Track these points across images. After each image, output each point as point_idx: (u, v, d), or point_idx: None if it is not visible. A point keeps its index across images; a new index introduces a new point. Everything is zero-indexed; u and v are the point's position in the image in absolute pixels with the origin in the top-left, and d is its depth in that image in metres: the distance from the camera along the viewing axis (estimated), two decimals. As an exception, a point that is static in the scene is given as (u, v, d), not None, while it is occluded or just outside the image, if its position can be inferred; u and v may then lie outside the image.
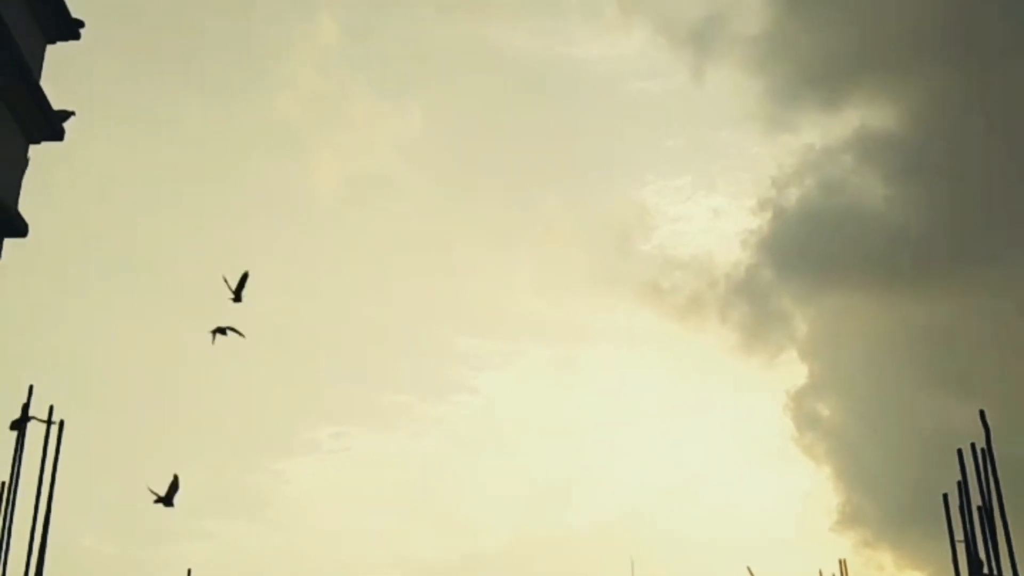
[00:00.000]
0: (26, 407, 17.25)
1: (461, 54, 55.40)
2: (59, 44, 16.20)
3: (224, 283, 20.71)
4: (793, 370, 46.66)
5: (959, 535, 17.82)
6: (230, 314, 21.05)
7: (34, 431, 17.08)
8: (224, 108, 52.11)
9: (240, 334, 21.23)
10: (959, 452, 17.85)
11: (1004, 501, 16.96)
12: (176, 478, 19.74)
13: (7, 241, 14.53)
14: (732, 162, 57.77)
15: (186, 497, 45.20)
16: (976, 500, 17.37)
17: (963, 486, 17.66)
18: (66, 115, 15.78)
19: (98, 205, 49.51)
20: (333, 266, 55.13)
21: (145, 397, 49.11)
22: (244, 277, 20.78)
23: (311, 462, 49.84)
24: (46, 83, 15.60)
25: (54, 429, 17.17)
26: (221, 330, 21.12)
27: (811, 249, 46.56)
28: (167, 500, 19.59)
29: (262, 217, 54.56)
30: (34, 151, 15.53)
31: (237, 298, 20.75)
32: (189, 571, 22.75)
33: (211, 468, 48.00)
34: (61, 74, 16.46)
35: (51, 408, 17.33)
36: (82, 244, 46.72)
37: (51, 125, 15.47)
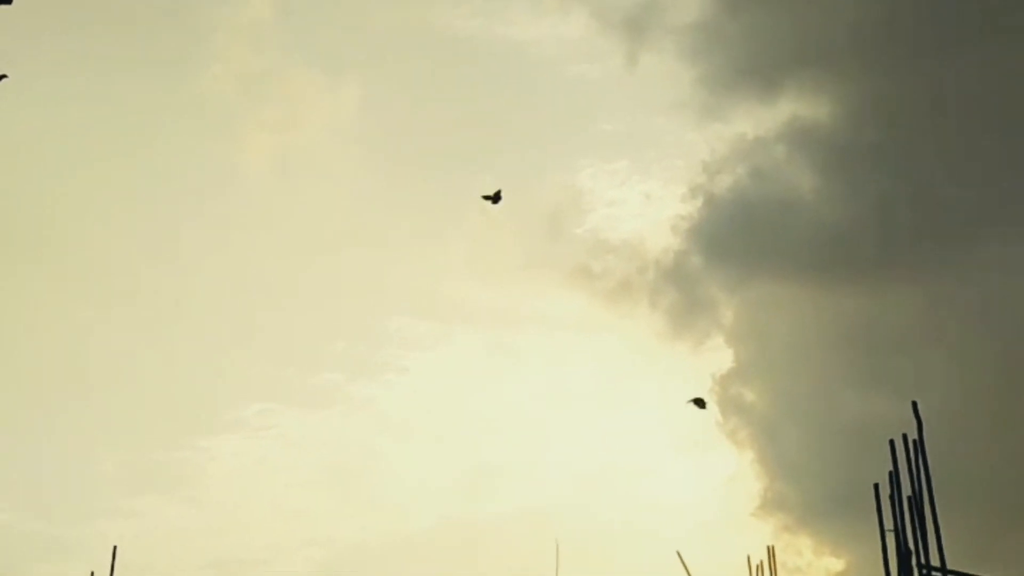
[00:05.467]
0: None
1: (399, 32, 54.79)
2: (-10, 7, 15.67)
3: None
4: (719, 356, 46.92)
5: (888, 524, 18.12)
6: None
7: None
8: (152, 80, 50.97)
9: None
10: (891, 443, 18.16)
11: (934, 492, 17.33)
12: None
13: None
14: (667, 149, 58.00)
15: (110, 474, 44.49)
16: (907, 490, 17.69)
17: (894, 476, 17.96)
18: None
19: (18, 173, 48.17)
20: (264, 243, 54.36)
21: (66, 370, 48.10)
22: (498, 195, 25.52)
23: (237, 440, 49.16)
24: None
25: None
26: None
27: (740, 237, 46.98)
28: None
29: (189, 192, 53.57)
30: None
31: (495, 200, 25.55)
32: (115, 548, 22.36)
33: (135, 444, 47.23)
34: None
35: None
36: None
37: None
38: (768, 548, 23.48)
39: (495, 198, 25.63)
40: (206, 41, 53.25)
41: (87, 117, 50.31)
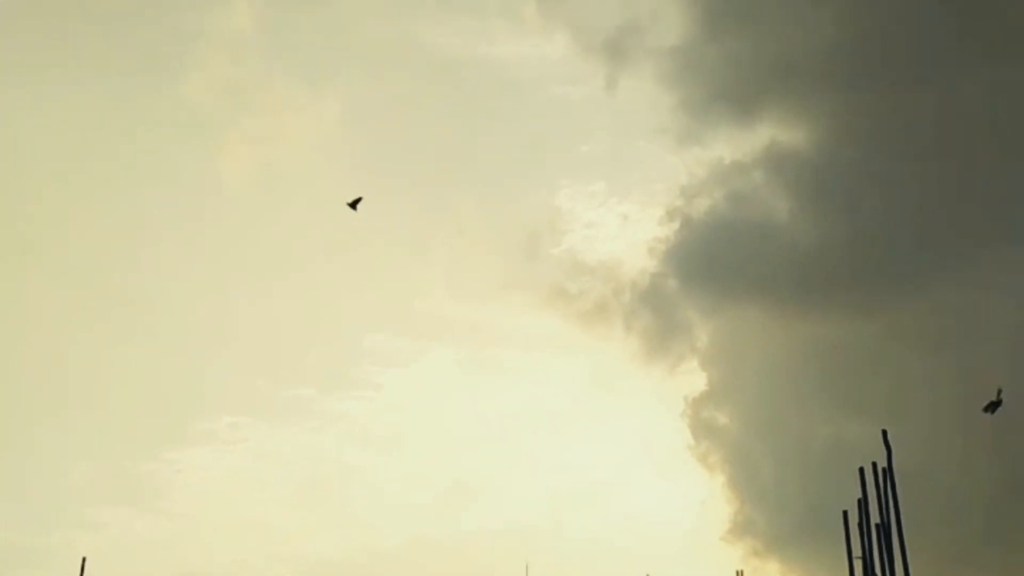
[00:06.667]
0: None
1: (382, 47, 55.07)
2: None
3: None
4: (693, 378, 47.23)
5: (857, 551, 18.26)
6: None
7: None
8: (132, 89, 50.97)
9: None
10: (860, 471, 18.32)
11: (902, 520, 17.48)
12: None
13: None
14: (646, 172, 58.40)
15: (79, 484, 44.12)
16: (875, 518, 17.84)
17: (863, 504, 18.11)
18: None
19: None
20: (240, 255, 54.32)
21: (35, 380, 47.79)
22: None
23: (207, 452, 48.99)
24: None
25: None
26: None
27: (716, 260, 47.20)
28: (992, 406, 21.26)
29: (166, 202, 53.43)
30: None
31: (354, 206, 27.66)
32: (84, 560, 22.35)
33: (104, 456, 47.00)
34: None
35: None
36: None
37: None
38: (737, 573, 23.68)
39: (354, 205, 27.64)
40: (186, 51, 53.26)
41: (65, 123, 50.22)
